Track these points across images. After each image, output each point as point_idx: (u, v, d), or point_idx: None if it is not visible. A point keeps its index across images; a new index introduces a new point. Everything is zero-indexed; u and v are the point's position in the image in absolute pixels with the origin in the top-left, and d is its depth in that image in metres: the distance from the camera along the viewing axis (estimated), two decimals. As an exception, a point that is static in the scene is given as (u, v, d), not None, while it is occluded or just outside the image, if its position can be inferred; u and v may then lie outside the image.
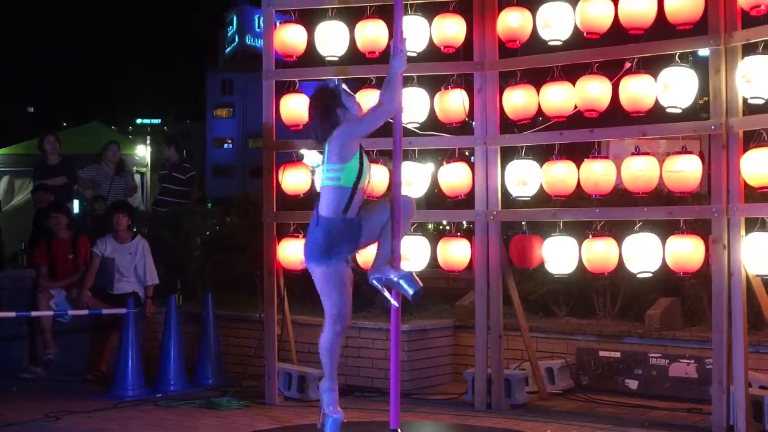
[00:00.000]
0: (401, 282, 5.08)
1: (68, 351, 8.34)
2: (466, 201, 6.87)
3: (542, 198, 6.85)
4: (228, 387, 7.70)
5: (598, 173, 6.33)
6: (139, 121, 76.68)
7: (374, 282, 5.18)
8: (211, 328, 8.13)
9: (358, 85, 6.84)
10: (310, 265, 5.20)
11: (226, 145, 67.89)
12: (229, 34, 67.93)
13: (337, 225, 5.04)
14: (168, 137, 14.89)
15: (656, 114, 6.30)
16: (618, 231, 6.41)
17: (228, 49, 67.73)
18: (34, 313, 8.10)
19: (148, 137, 25.71)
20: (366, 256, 6.55)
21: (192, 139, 68.41)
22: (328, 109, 5.15)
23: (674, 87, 6.03)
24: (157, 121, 77.83)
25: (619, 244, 6.27)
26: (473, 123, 6.83)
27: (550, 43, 6.50)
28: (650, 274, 6.25)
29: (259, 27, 57.62)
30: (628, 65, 6.22)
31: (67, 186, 10.64)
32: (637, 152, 6.25)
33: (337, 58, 6.86)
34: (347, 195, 5.04)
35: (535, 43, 6.67)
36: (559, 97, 6.46)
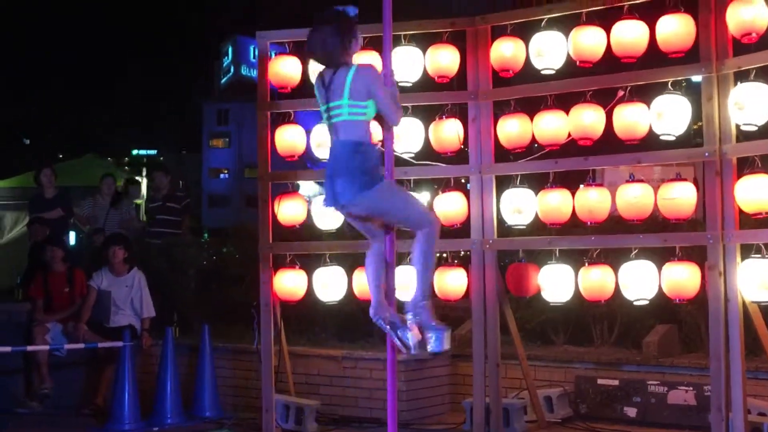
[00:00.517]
0: (434, 335, 4.74)
1: (64, 385, 8.31)
2: (462, 230, 6.87)
3: (538, 226, 6.86)
4: (225, 419, 7.68)
5: (593, 201, 6.33)
6: (135, 151, 76.76)
7: (408, 319, 4.82)
8: (208, 359, 8.11)
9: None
10: (365, 197, 4.68)
11: (222, 175, 67.97)
12: (224, 64, 68.22)
13: (374, 150, 4.82)
14: (161, 167, 14.93)
15: (650, 141, 6.31)
16: (614, 258, 6.41)
17: (223, 80, 67.99)
18: (29, 348, 8.07)
19: (144, 168, 25.76)
20: (365, 286, 6.56)
21: (188, 169, 68.40)
22: (347, 36, 4.83)
23: (667, 114, 6.05)
24: (153, 151, 77.92)
25: (615, 272, 6.27)
26: (467, 149, 6.84)
27: (543, 72, 6.53)
28: (647, 302, 6.25)
29: (254, 57, 57.82)
30: (621, 93, 6.24)
31: (63, 219, 10.64)
32: (632, 179, 6.26)
33: (331, 89, 6.86)
34: (371, 128, 4.87)
35: (528, 72, 6.70)
36: (553, 126, 6.48)
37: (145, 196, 16.65)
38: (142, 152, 77.02)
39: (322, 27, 4.87)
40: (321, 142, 6.76)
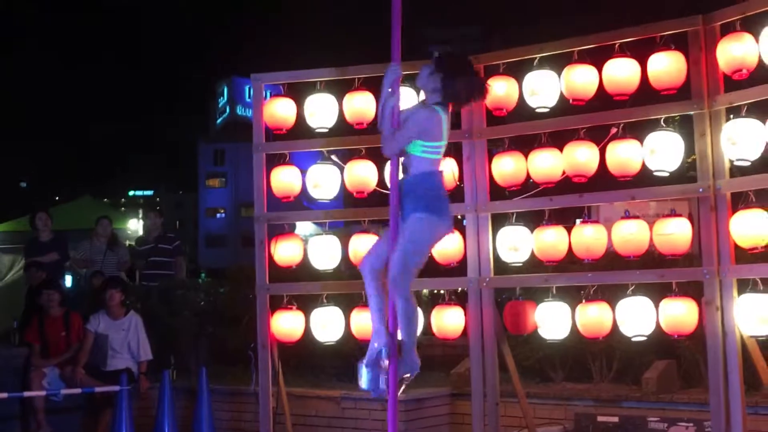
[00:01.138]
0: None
1: (62, 430, 8.25)
2: (459, 268, 6.87)
3: (534, 263, 6.85)
4: (224, 462, 7.62)
5: (589, 237, 6.34)
6: (131, 192, 76.89)
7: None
8: (206, 402, 8.06)
9: (347, 155, 6.90)
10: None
11: (218, 215, 68.09)
12: (220, 104, 68.62)
13: None
14: (155, 208, 14.97)
15: (644, 177, 6.34)
16: (611, 295, 6.40)
17: (219, 120, 68.33)
18: (26, 393, 8.02)
19: (141, 210, 25.84)
20: (363, 325, 6.55)
21: (185, 209, 68.48)
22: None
23: (660, 151, 6.08)
24: (149, 192, 78.06)
25: (613, 308, 6.26)
26: (463, 185, 6.85)
27: (538, 111, 6.56)
28: (644, 338, 6.24)
29: (249, 97, 58.22)
30: (614, 130, 6.28)
31: (59, 262, 10.62)
32: (627, 216, 6.28)
33: (326, 130, 6.92)
34: None
35: (521, 110, 6.73)
36: (548, 163, 6.50)
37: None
38: (139, 193, 77.14)
39: (468, 74, 5.06)
40: (317, 182, 6.79)
